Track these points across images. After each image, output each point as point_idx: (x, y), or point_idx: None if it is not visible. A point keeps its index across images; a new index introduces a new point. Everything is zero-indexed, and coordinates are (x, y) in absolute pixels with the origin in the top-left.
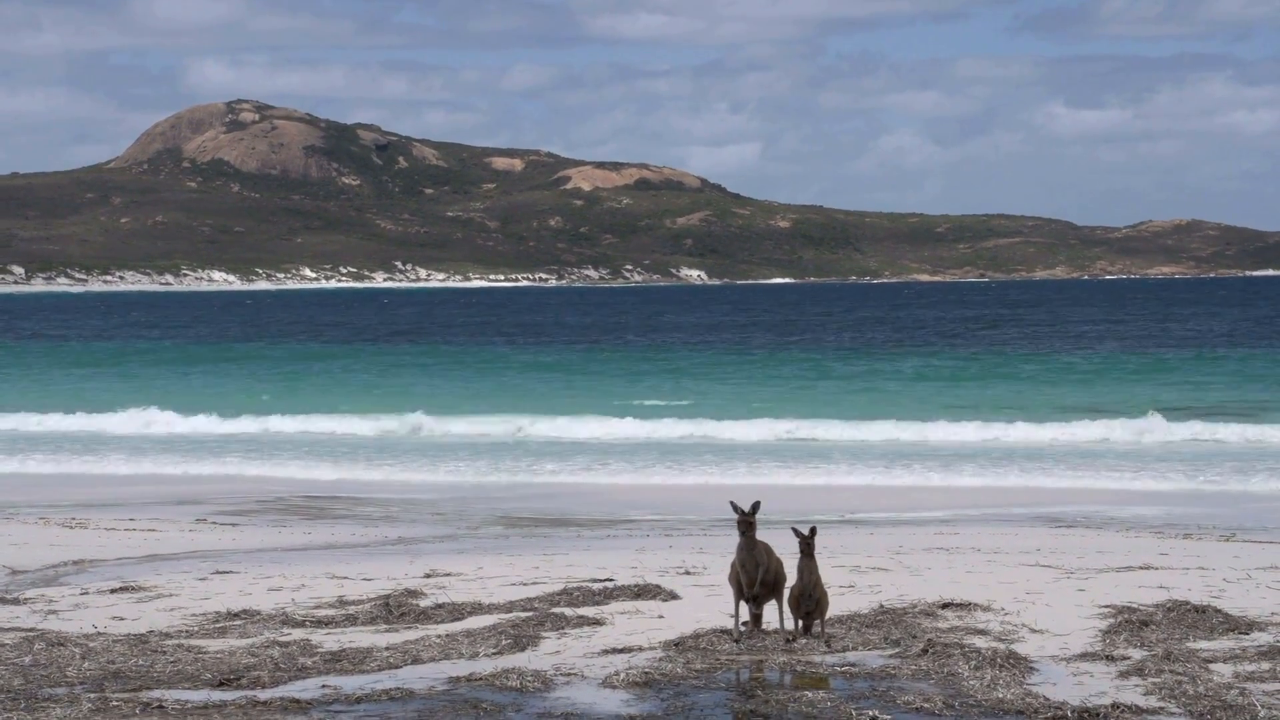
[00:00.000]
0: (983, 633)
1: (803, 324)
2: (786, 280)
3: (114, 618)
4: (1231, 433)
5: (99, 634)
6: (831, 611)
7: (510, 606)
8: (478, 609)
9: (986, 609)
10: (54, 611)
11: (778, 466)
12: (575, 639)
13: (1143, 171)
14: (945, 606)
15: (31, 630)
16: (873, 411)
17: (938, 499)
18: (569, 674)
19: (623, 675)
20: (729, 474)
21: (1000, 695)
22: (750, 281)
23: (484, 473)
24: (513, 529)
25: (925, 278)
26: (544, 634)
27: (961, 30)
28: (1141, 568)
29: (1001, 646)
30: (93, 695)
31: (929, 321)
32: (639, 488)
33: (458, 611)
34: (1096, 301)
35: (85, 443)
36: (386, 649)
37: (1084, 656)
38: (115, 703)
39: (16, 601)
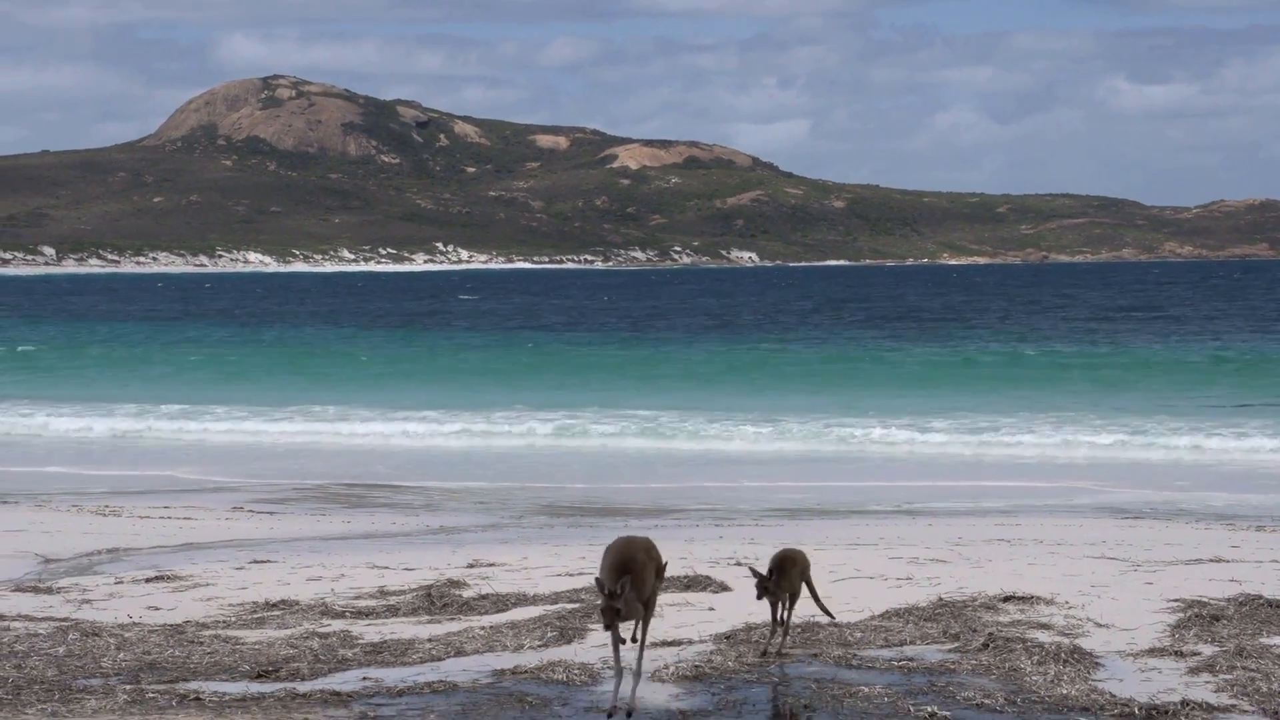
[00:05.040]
0: (1046, 627)
1: None
2: (842, 263)
3: (149, 608)
4: None
5: (134, 624)
6: (889, 604)
7: (556, 598)
8: (522, 600)
9: (1050, 602)
10: (88, 601)
11: None
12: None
13: (1213, 149)
14: (1007, 600)
15: (65, 620)
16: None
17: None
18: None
19: (672, 669)
20: None
21: (1064, 691)
22: (805, 264)
23: None
24: (558, 518)
25: (985, 260)
26: (590, 626)
27: (1018, 1)
28: (1212, 560)
29: (1065, 641)
30: (128, 687)
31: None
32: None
33: (502, 603)
34: None
35: None
36: (429, 641)
37: (1152, 652)
38: (151, 694)
39: (50, 591)
